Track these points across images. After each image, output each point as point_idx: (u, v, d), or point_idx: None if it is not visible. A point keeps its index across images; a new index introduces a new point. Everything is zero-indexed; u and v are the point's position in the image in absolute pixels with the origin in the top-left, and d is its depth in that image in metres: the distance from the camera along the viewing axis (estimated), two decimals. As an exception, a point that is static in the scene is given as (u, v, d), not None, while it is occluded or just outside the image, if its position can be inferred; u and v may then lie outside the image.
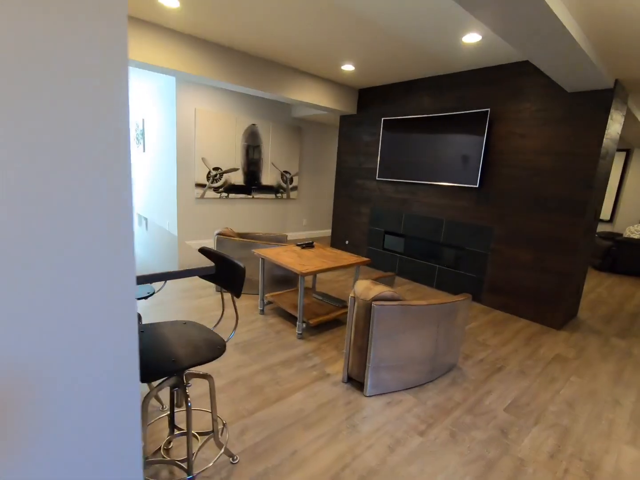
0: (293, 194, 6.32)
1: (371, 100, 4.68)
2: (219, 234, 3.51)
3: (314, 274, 2.57)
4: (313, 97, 4.34)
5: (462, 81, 3.76)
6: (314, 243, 3.44)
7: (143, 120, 5.84)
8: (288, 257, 2.85)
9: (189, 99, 4.79)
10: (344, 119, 5.11)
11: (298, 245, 3.28)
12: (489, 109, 3.44)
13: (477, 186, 3.60)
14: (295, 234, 6.59)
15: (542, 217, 3.27)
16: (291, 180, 6.25)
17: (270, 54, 3.65)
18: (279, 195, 6.11)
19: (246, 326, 2.87)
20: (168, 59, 3.19)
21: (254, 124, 5.52)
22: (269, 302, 3.11)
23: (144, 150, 5.95)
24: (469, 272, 3.86)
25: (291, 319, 3.06)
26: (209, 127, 5.03)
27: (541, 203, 3.27)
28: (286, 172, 6.13)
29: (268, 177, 5.90)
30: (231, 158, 5.37)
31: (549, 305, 3.29)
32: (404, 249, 4.52)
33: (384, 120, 4.41)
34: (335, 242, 5.43)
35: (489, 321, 3.34)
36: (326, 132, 6.69)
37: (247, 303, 3.34)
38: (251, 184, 5.70)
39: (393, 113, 4.43)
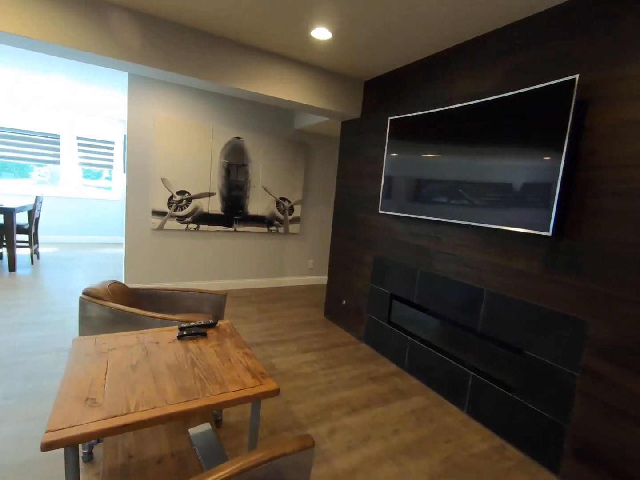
0: (293, 228, 4.88)
1: (380, 95, 3.12)
2: (85, 292, 2.19)
3: (75, 442, 1.04)
4: (287, 91, 2.94)
5: (522, 37, 2.03)
6: (218, 325, 1.91)
7: (124, 136, 5.02)
8: (101, 371, 1.36)
9: (147, 103, 3.74)
10: (346, 126, 3.59)
11: (182, 329, 1.78)
12: (576, 76, 1.66)
13: (551, 233, 1.77)
14: (298, 280, 5.08)
15: None
16: (291, 210, 4.83)
17: (203, 22, 2.37)
18: (272, 228, 4.72)
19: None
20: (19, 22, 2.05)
21: (238, 138, 4.29)
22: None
23: (124, 171, 5.10)
24: (532, 402, 1.94)
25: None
26: (174, 139, 3.91)
27: None
28: (284, 199, 4.74)
29: (258, 205, 4.56)
30: (204, 180, 4.17)
31: None
32: (418, 330, 2.72)
33: (390, 120, 2.79)
34: (331, 299, 3.79)
35: None
36: (344, 150, 5.21)
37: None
38: (233, 214, 4.41)
39: (407, 109, 2.80)
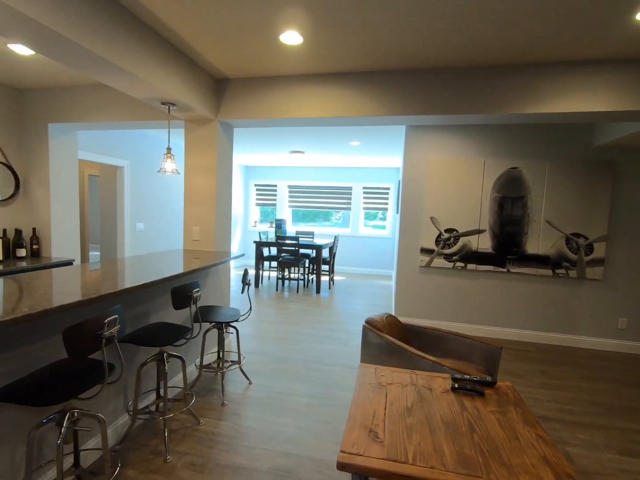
0: (593, 272, 3.73)
1: None
2: (367, 321, 2.47)
3: None
4: (593, 102, 2.34)
5: None
6: (497, 386, 1.62)
7: (398, 181, 5.64)
8: (381, 403, 1.42)
9: (419, 150, 4.05)
10: (698, 126, 2.42)
11: (456, 380, 1.64)
12: None
13: None
14: (600, 342, 3.81)
15: None
16: (589, 249, 3.74)
17: (479, 56, 2.30)
18: (560, 271, 3.81)
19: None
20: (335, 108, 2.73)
21: (514, 168, 3.84)
22: None
23: (396, 212, 5.69)
24: None
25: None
26: (443, 179, 3.99)
27: None
28: (577, 235, 3.75)
29: (539, 242, 3.84)
30: (472, 216, 3.96)
31: None
32: None
33: None
34: (671, 383, 2.51)
35: None
36: (685, 162, 3.58)
37: None
38: (506, 252, 3.91)
39: None
